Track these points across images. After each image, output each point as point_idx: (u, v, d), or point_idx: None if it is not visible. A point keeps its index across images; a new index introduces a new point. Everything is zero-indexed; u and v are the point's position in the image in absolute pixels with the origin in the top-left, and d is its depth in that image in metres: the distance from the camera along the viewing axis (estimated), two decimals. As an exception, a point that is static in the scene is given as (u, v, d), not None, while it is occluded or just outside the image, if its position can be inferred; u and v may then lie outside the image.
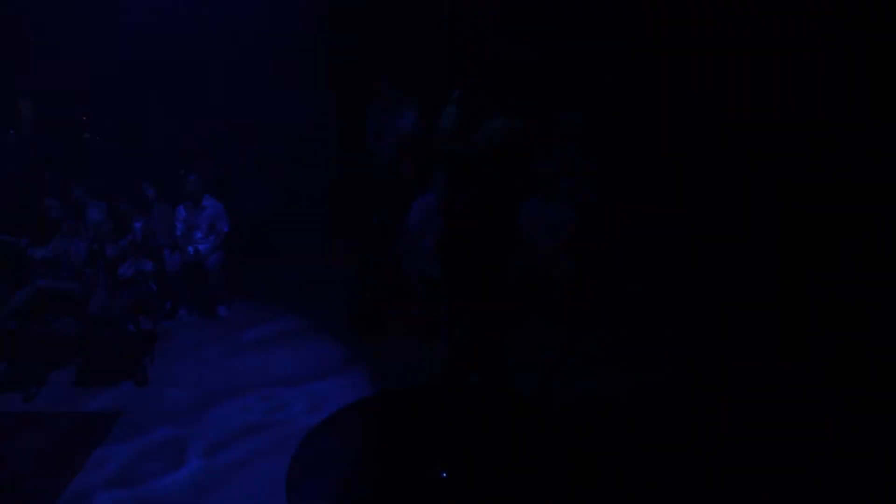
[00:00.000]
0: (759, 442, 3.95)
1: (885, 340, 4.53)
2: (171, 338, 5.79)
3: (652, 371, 4.88)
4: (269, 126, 7.94)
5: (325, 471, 3.66)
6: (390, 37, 7.14)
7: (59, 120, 7.47)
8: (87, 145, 7.51)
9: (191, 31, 7.15)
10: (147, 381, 4.98)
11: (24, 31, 6.76)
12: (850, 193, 4.87)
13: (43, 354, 4.93)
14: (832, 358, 4.65)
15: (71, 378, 5.07)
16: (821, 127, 5.09)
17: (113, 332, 5.12)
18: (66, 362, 5.22)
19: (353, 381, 4.92)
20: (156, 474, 3.90)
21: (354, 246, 6.74)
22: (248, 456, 4.03)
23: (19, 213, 5.79)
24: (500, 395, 3.51)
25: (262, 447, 4.11)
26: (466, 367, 3.39)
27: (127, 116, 7.86)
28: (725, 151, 5.82)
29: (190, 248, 6.26)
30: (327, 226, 7.68)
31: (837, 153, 4.99)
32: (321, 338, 5.71)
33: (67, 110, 7.58)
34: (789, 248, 5.32)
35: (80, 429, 4.41)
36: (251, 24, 7.34)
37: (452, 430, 3.66)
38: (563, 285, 5.78)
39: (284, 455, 3.95)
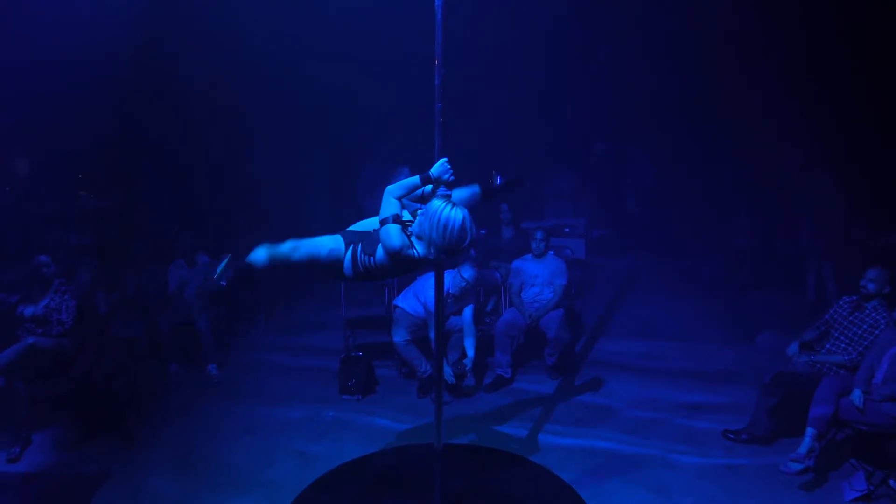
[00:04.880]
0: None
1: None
2: (162, 396, 5.71)
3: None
4: (265, 182, 8.04)
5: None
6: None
7: (55, 177, 7.52)
8: (82, 202, 7.53)
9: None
10: (135, 441, 4.88)
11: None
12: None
13: (29, 414, 4.84)
14: None
15: (57, 438, 4.96)
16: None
17: (102, 391, 5.06)
18: (53, 422, 5.10)
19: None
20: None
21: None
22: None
23: (11, 269, 5.77)
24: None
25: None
26: None
27: (121, 174, 7.92)
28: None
29: (182, 306, 6.22)
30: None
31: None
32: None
33: (63, 168, 7.64)
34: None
35: (65, 490, 4.31)
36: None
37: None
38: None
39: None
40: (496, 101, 8.51)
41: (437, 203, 3.06)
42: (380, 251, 3.17)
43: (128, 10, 6.59)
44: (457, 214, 3.03)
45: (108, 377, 5.15)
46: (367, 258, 3.22)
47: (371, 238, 3.23)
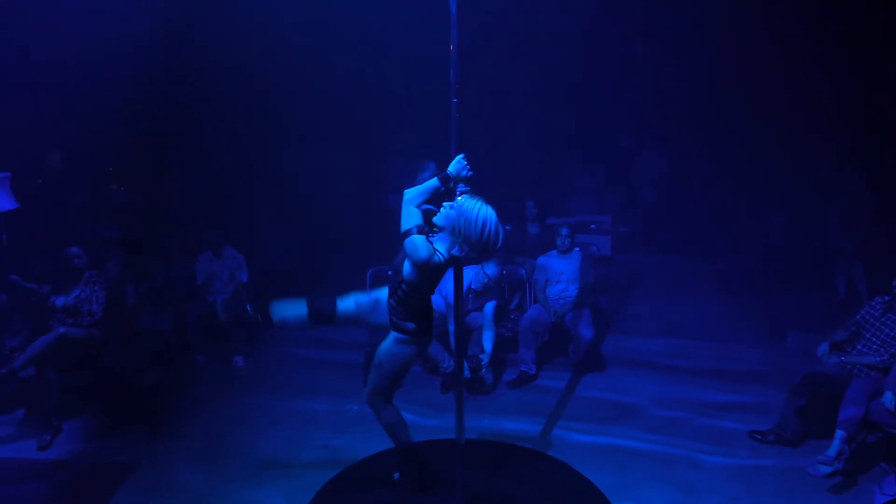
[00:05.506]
0: None
1: None
2: (189, 387, 5.78)
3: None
4: (291, 178, 8.09)
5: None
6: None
7: (86, 170, 7.64)
8: (112, 195, 7.64)
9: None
10: (162, 432, 4.95)
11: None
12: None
13: (60, 403, 4.92)
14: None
15: (86, 427, 5.04)
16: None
17: (130, 381, 5.13)
18: (82, 411, 5.19)
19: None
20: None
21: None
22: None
23: (43, 260, 5.87)
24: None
25: None
26: None
27: (150, 168, 8.02)
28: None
29: (209, 297, 6.29)
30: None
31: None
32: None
33: (94, 161, 7.76)
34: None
35: (93, 479, 4.38)
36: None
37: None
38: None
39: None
40: (522, 96, 8.46)
41: (469, 200, 3.01)
42: (407, 268, 3.10)
43: (159, 6, 6.67)
44: (491, 213, 2.99)
45: (137, 368, 5.23)
46: (398, 294, 3.21)
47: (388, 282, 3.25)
